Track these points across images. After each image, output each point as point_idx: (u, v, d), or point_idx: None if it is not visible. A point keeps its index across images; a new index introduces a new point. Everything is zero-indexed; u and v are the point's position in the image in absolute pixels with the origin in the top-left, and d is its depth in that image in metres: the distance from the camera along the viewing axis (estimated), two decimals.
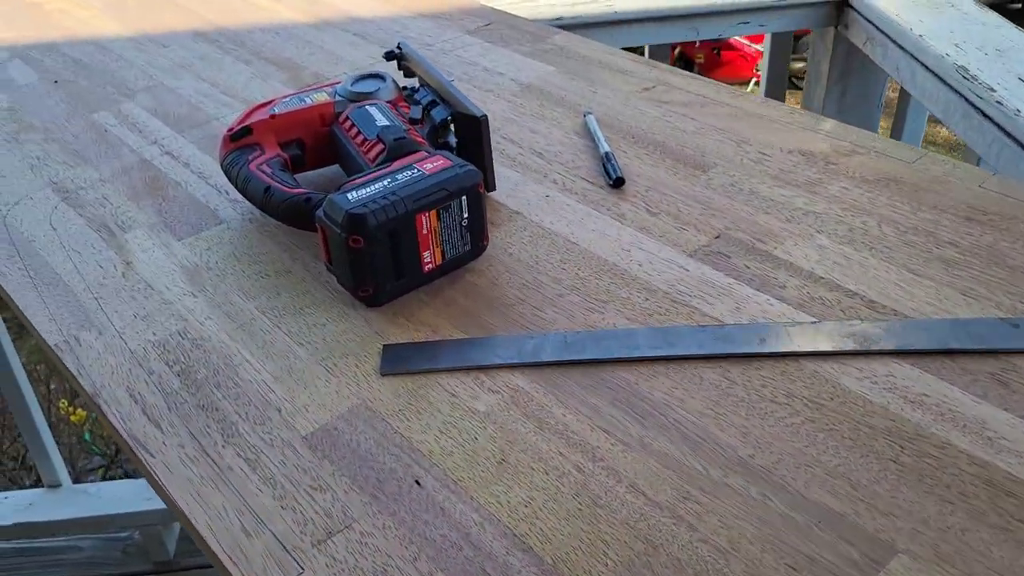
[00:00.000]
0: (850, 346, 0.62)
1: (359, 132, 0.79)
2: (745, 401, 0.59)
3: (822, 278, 0.69)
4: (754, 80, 5.68)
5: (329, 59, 1.12)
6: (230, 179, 0.80)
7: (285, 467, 0.57)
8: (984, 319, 0.64)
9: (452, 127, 0.81)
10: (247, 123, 0.81)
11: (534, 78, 1.03)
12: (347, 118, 0.81)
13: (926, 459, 0.54)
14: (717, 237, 0.75)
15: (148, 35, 1.22)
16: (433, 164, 0.71)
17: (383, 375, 0.64)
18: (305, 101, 0.84)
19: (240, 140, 0.80)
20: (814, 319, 0.65)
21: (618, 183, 0.82)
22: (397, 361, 0.65)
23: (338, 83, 0.87)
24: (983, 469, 0.54)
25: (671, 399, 0.60)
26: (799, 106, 1.53)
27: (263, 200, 0.75)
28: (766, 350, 0.62)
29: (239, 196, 0.82)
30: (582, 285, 0.71)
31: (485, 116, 0.78)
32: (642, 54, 1.45)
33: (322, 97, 0.84)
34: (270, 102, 0.84)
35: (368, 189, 0.68)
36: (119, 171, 0.90)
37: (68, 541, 1.92)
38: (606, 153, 0.85)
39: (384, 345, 0.66)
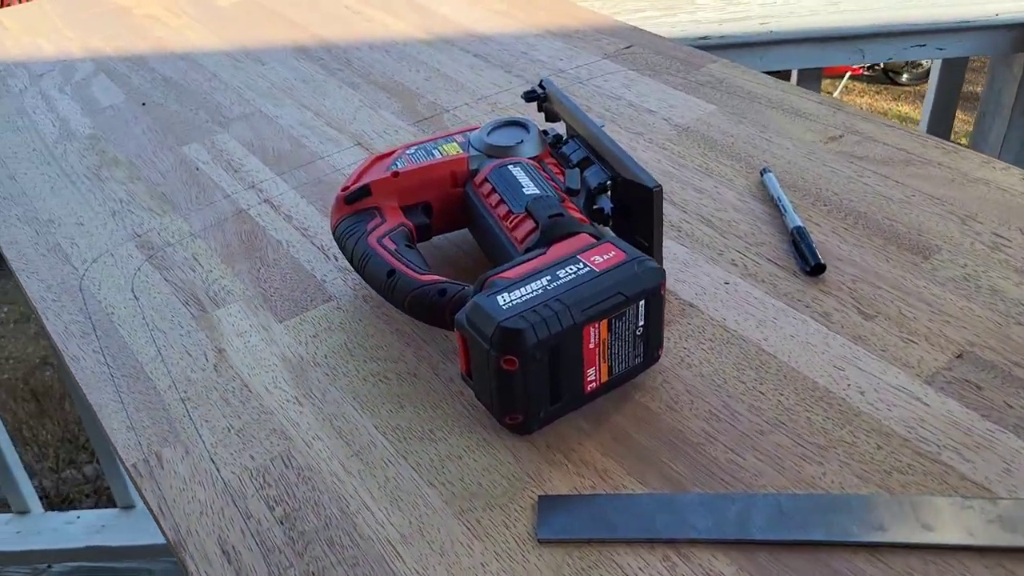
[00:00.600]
0: None
1: (501, 201, 0.64)
2: None
3: None
4: (848, 74, 5.36)
5: (447, 85, 0.97)
6: (344, 252, 0.66)
7: None
8: None
9: (609, 192, 0.66)
10: (364, 182, 0.67)
11: (692, 119, 0.87)
12: (485, 180, 0.66)
13: None
14: (959, 356, 0.58)
15: (245, 49, 1.09)
16: (603, 257, 0.56)
17: (541, 542, 0.49)
18: (433, 155, 0.69)
19: (356, 203, 0.67)
20: None
21: (817, 270, 0.66)
22: (558, 522, 0.50)
23: (471, 131, 0.72)
24: None
25: None
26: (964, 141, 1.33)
27: (385, 285, 0.61)
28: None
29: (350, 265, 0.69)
30: (789, 419, 0.55)
31: (659, 187, 0.62)
32: (787, 78, 1.28)
33: (453, 150, 0.70)
34: (390, 154, 0.70)
35: (523, 291, 0.54)
36: (212, 223, 0.78)
37: (139, 564, 1.84)
38: (797, 228, 0.69)
39: (540, 496, 0.52)
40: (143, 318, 0.68)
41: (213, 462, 0.56)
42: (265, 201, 0.80)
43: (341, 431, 0.57)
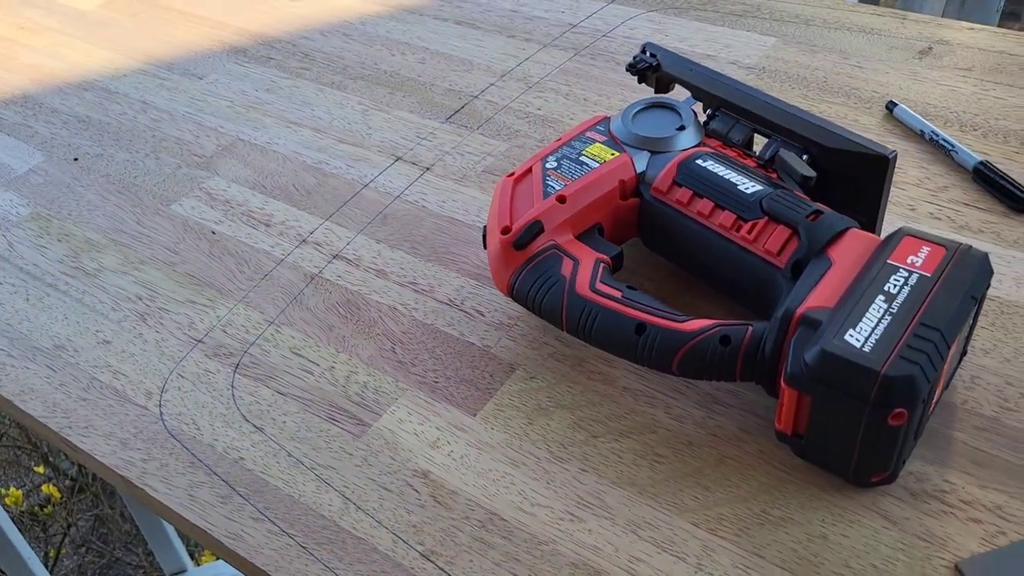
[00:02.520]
0: None
1: (717, 207, 0.52)
2: None
3: None
4: None
5: (453, 65, 0.82)
6: (541, 311, 0.52)
7: None
8: None
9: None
10: (529, 217, 0.53)
11: (760, 57, 0.78)
12: (675, 184, 0.54)
13: None
14: None
15: (161, 61, 0.88)
16: (919, 256, 0.46)
17: None
18: (584, 164, 0.56)
19: (529, 245, 0.53)
20: None
21: None
22: None
23: (600, 123, 0.60)
24: None
25: None
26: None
27: (637, 344, 0.48)
28: None
29: (502, 312, 0.55)
30: None
31: (895, 153, 0.53)
32: None
33: (605, 153, 0.57)
34: (527, 172, 0.56)
35: (866, 322, 0.43)
36: (287, 301, 0.60)
37: None
38: (981, 163, 0.63)
39: (957, 564, 0.43)
40: (288, 454, 0.51)
41: None
42: (336, 257, 0.64)
43: (657, 541, 0.45)
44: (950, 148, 0.64)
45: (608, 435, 0.50)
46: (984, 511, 0.45)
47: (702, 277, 0.56)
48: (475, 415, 0.52)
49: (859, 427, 0.43)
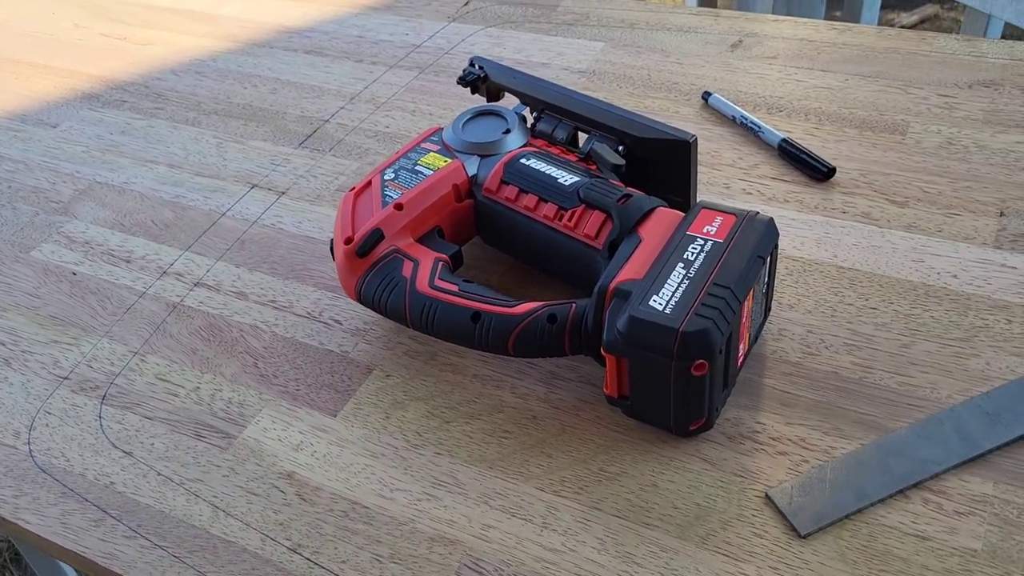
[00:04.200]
0: None
1: (541, 200, 0.57)
2: None
3: None
4: None
5: (304, 93, 0.85)
6: (387, 312, 0.56)
7: None
8: None
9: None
10: (369, 226, 0.57)
11: (590, 61, 0.83)
12: (503, 183, 0.59)
13: None
14: (1002, 215, 0.62)
15: (18, 115, 0.88)
16: (712, 225, 0.52)
17: (805, 536, 0.46)
18: (420, 172, 0.60)
19: (371, 252, 0.57)
20: None
21: (830, 174, 0.66)
22: (809, 510, 0.47)
23: (434, 133, 0.64)
24: None
25: None
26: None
27: (473, 332, 0.53)
28: None
29: (359, 319, 0.59)
30: (917, 324, 0.56)
31: (695, 138, 0.59)
32: None
33: (439, 160, 0.61)
34: (367, 186, 0.60)
35: (668, 288, 0.48)
36: (150, 332, 0.63)
37: None
38: (785, 140, 0.69)
39: (769, 492, 0.48)
40: (157, 473, 0.53)
41: None
42: (197, 284, 0.66)
43: (507, 508, 0.49)
44: (757, 129, 0.71)
45: (460, 419, 0.54)
46: (790, 444, 0.50)
47: (536, 265, 0.60)
48: (335, 416, 0.55)
49: (670, 381, 0.48)
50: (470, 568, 0.47)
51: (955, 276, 0.58)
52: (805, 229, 0.63)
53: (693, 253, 0.50)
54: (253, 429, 0.55)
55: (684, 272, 0.49)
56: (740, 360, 0.53)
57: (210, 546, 0.49)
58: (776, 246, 0.53)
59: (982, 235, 0.61)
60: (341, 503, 0.51)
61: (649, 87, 0.79)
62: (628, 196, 0.55)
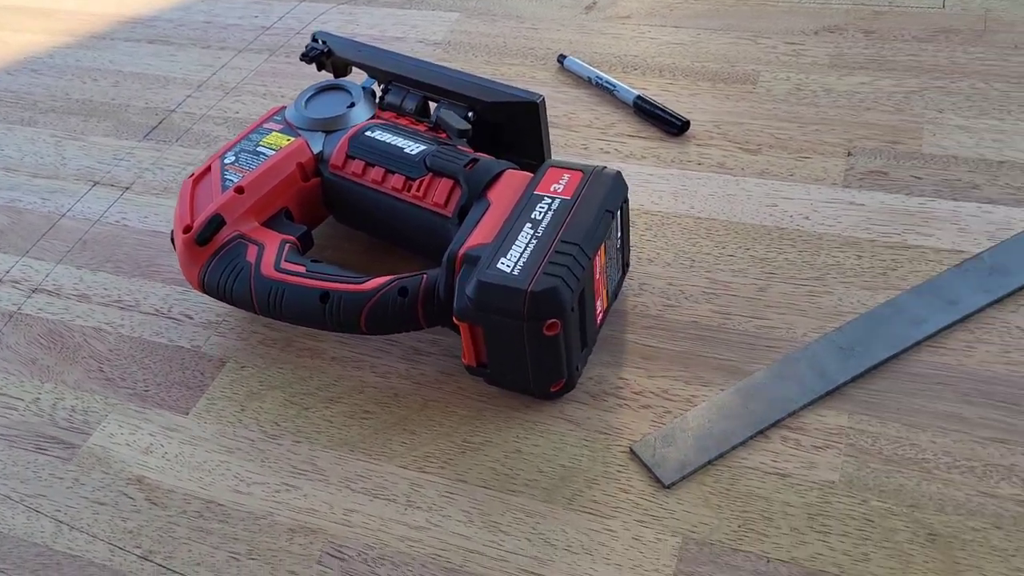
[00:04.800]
0: None
1: (389, 172, 0.55)
2: None
3: (1001, 161, 0.60)
4: None
5: (149, 84, 0.81)
6: (233, 300, 0.53)
7: None
8: None
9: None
10: (209, 213, 0.54)
11: (445, 32, 0.82)
12: (349, 158, 0.57)
13: None
14: (849, 154, 0.63)
15: None
16: (560, 183, 0.51)
17: (670, 486, 0.46)
18: (262, 153, 0.58)
19: (212, 239, 0.54)
20: None
21: (684, 127, 0.66)
22: (672, 460, 0.46)
23: (278, 112, 0.61)
24: None
25: (1018, 367, 0.48)
26: None
27: (323, 312, 0.50)
28: None
29: (211, 312, 0.56)
30: (772, 267, 0.56)
31: (543, 98, 0.58)
32: None
33: (281, 140, 0.58)
34: (206, 172, 0.57)
35: (516, 250, 0.47)
36: None
37: None
38: (639, 97, 0.69)
39: (632, 446, 0.48)
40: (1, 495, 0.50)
41: None
42: (36, 291, 0.62)
43: (369, 490, 0.47)
44: (612, 88, 0.70)
45: (319, 404, 0.52)
46: (653, 397, 0.50)
47: (389, 240, 0.58)
48: (187, 414, 0.53)
49: (524, 344, 0.47)
50: (332, 555, 0.45)
51: (807, 218, 0.59)
52: (662, 183, 0.63)
53: (540, 212, 0.49)
54: (99, 436, 0.52)
55: (532, 232, 0.48)
56: (599, 318, 0.52)
57: (53, 563, 0.46)
58: (626, 200, 0.52)
59: (831, 176, 0.61)
60: (194, 503, 0.48)
61: (505, 54, 0.78)
62: (475, 161, 0.54)
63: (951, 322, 0.51)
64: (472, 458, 0.48)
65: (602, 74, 0.72)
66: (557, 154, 0.66)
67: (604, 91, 0.71)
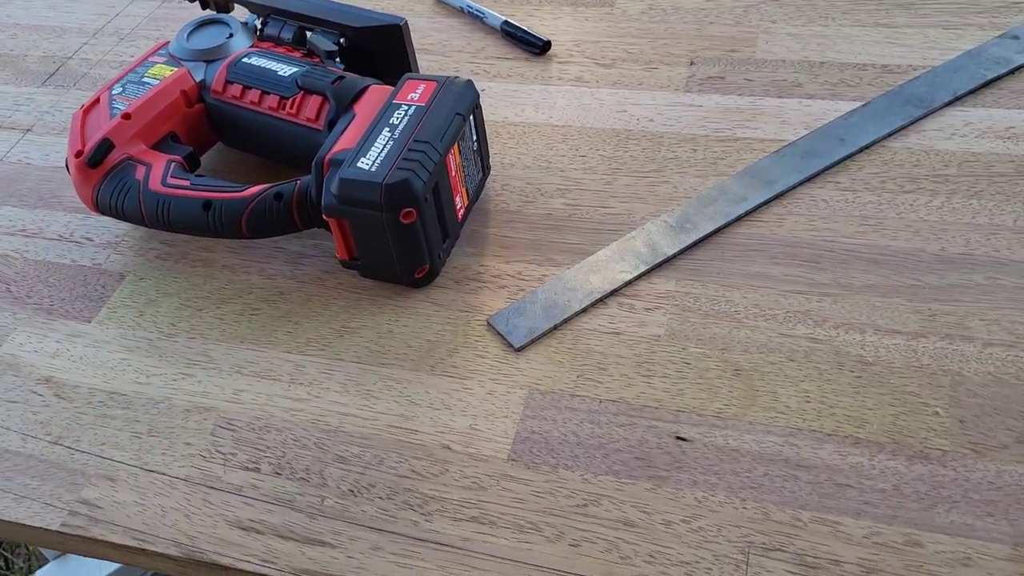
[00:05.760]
0: (916, 112, 0.61)
1: (264, 93, 0.60)
2: (881, 202, 0.57)
3: (823, 62, 0.67)
4: None
5: (44, 34, 0.84)
6: (125, 215, 0.58)
7: (520, 505, 0.45)
8: (992, 43, 0.66)
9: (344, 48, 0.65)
10: (97, 138, 0.59)
11: None
12: (228, 83, 0.62)
13: None
14: (692, 63, 0.69)
15: None
16: (416, 92, 0.57)
17: (520, 350, 0.52)
18: (147, 84, 0.62)
19: (103, 162, 0.58)
20: (857, 101, 0.63)
21: (546, 48, 0.72)
22: (522, 327, 0.53)
23: (163, 47, 0.65)
24: None
25: (820, 232, 0.55)
26: None
27: (207, 220, 0.56)
28: (854, 148, 0.60)
29: (111, 234, 0.61)
30: (618, 163, 0.62)
31: (405, 20, 0.63)
32: None
33: (165, 71, 0.63)
34: (95, 103, 0.62)
35: (374, 151, 0.53)
36: None
37: None
38: (506, 22, 0.74)
39: (489, 318, 0.54)
40: None
41: (152, 471, 0.49)
42: None
43: (257, 373, 0.53)
44: (482, 16, 0.76)
45: (211, 306, 0.57)
46: (509, 279, 0.56)
47: (271, 157, 0.64)
48: (91, 322, 0.58)
49: (385, 233, 0.53)
50: (223, 428, 0.51)
51: (651, 120, 0.65)
52: (525, 98, 0.69)
53: (398, 118, 0.55)
54: (8, 346, 0.57)
55: (389, 135, 0.54)
56: (460, 213, 0.58)
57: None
58: (478, 106, 0.58)
59: (675, 83, 0.68)
60: (99, 395, 0.53)
61: None
62: (342, 78, 0.59)
63: (767, 199, 0.58)
64: (349, 340, 0.54)
65: (472, 3, 0.77)
66: None
67: (475, 19, 0.77)
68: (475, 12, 0.76)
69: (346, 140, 0.55)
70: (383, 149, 0.53)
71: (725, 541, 0.43)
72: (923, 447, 0.45)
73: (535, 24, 0.75)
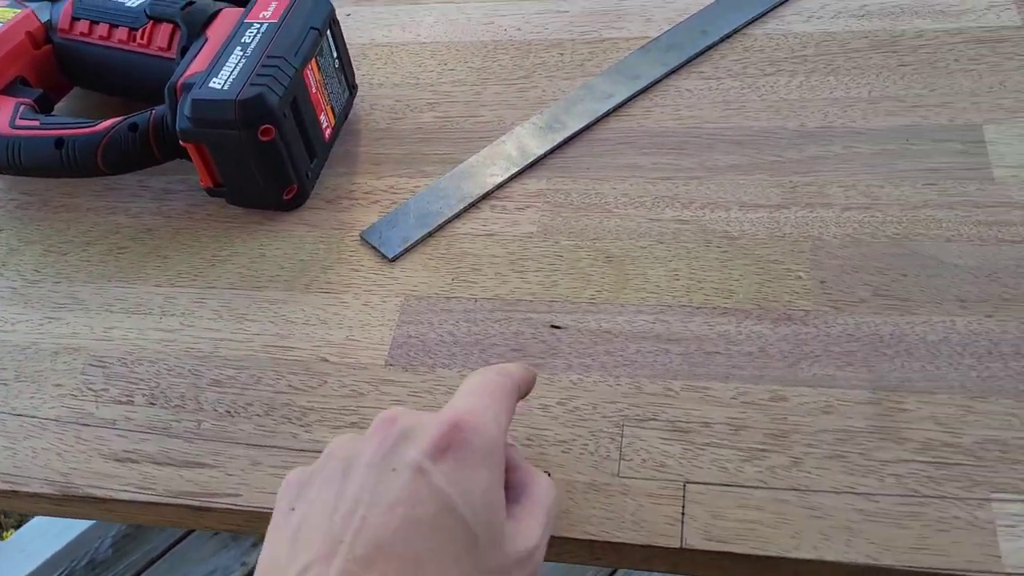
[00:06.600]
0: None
1: (113, 27, 0.58)
2: (743, 86, 0.57)
3: None
4: None
5: None
6: None
7: (399, 405, 0.45)
8: None
9: None
10: None
11: None
12: (75, 20, 0.59)
13: (922, 49, 0.57)
14: None
15: None
16: (268, 10, 0.55)
17: (394, 260, 0.52)
18: None
19: None
20: None
21: None
22: (394, 238, 0.52)
23: None
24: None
25: (685, 121, 0.56)
26: None
27: (61, 157, 0.53)
28: (716, 37, 0.60)
29: None
30: (489, 74, 0.62)
31: None
32: None
33: (8, 12, 0.60)
34: None
35: (227, 70, 0.51)
36: None
37: None
38: None
39: (363, 232, 0.53)
40: None
41: (21, 415, 0.48)
42: None
43: (126, 310, 0.52)
44: None
45: (76, 249, 0.56)
46: (381, 194, 0.55)
47: (128, 95, 0.61)
48: None
49: (245, 153, 0.51)
50: (94, 366, 0.49)
51: (519, 29, 0.65)
52: (392, 18, 0.68)
53: (250, 36, 0.53)
54: None
55: (241, 54, 0.52)
56: (326, 132, 0.57)
57: None
58: (335, 20, 0.57)
59: None
60: None
61: None
62: (191, 3, 0.57)
63: (633, 93, 0.58)
64: (221, 268, 0.53)
65: None
66: None
67: None
68: None
69: (198, 64, 0.53)
70: (235, 68, 0.51)
71: (600, 417, 0.43)
72: (787, 309, 0.46)
73: None
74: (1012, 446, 0.39)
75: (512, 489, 0.35)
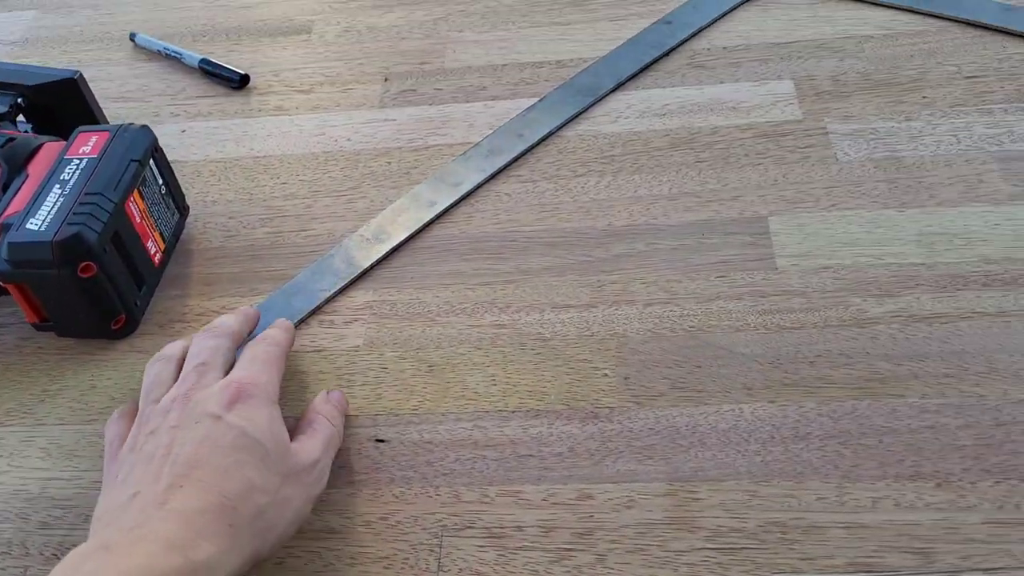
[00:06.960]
0: (586, 101, 0.66)
1: None
2: (557, 188, 0.61)
3: (505, 64, 0.71)
4: None
5: None
6: None
7: None
8: (649, 29, 0.72)
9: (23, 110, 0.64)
10: None
11: (23, 31, 0.83)
12: None
13: (716, 145, 0.62)
14: (386, 80, 0.72)
15: None
16: (88, 145, 0.56)
17: None
18: None
19: None
20: (535, 97, 0.68)
21: (244, 81, 0.73)
22: None
23: None
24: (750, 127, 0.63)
25: (504, 225, 0.59)
26: None
27: None
28: (532, 141, 0.64)
29: None
30: (320, 186, 0.64)
31: (79, 73, 0.62)
32: None
33: None
34: None
35: (45, 210, 0.52)
36: None
37: None
38: (203, 59, 0.75)
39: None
40: None
41: None
42: None
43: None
44: (179, 56, 0.76)
45: None
46: (213, 315, 0.57)
47: None
48: None
49: (68, 290, 0.52)
50: None
51: (349, 139, 0.67)
52: (226, 132, 0.69)
53: (69, 173, 0.54)
54: None
55: (60, 192, 0.53)
56: (156, 258, 0.58)
57: None
58: (158, 149, 0.58)
59: (370, 100, 0.70)
60: None
61: (82, 43, 0.81)
62: (12, 139, 0.58)
63: (455, 200, 0.61)
64: (50, 404, 0.53)
65: (169, 45, 0.77)
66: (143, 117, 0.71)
67: (174, 60, 0.77)
68: (172, 54, 0.76)
69: (17, 203, 0.54)
70: (54, 206, 0.52)
71: (420, 529, 0.45)
72: (593, 408, 0.49)
73: (235, 59, 0.76)
74: (790, 527, 0.43)
75: (301, 426, 0.47)
